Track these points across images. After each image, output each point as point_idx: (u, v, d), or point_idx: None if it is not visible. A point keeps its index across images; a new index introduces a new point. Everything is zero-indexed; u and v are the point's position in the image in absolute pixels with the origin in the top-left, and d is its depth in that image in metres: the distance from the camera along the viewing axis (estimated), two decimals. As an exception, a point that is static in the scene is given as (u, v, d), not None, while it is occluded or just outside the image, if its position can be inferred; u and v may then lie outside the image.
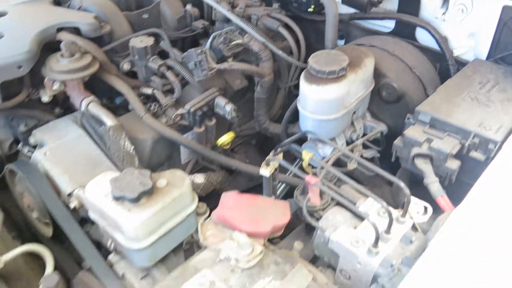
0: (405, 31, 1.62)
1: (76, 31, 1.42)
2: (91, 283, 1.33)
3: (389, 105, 1.48)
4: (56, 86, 1.39)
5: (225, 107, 1.43)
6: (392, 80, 1.43)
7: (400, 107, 1.45)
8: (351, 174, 1.34)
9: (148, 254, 1.22)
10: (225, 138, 1.53)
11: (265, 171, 1.26)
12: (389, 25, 1.66)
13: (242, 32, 1.49)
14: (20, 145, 1.62)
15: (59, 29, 1.40)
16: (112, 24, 1.49)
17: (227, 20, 1.61)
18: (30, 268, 1.32)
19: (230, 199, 1.08)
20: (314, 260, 1.25)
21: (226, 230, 1.05)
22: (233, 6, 1.58)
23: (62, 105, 1.64)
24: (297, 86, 1.69)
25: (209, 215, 1.30)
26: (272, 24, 1.53)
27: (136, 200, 1.13)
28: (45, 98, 1.46)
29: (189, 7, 1.66)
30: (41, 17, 1.43)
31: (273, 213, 1.08)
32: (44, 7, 1.49)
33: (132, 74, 1.55)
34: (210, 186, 1.55)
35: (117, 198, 1.14)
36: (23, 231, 1.59)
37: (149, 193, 1.15)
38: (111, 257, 1.33)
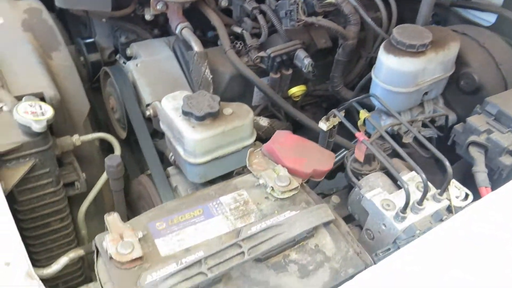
0: (505, 28, 1.57)
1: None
2: (147, 187, 1.49)
3: (464, 95, 1.47)
4: (159, 6, 1.53)
5: (304, 60, 1.50)
6: (474, 71, 1.42)
7: (476, 100, 1.43)
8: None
9: (200, 171, 1.35)
10: (297, 89, 1.60)
11: (323, 124, 1.32)
12: (490, 18, 1.62)
13: (339, -8, 1.53)
14: (118, 56, 1.81)
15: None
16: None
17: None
18: (101, 157, 1.51)
19: (282, 135, 1.17)
20: (346, 220, 1.32)
21: (271, 162, 1.14)
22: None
23: (160, 28, 1.80)
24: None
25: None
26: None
27: (201, 118, 1.26)
28: (148, 16, 1.62)
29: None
30: None
31: (318, 158, 1.15)
32: None
33: (226, 12, 1.66)
34: (271, 132, 1.63)
35: (185, 113, 1.27)
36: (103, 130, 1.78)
37: (214, 116, 1.27)
38: (170, 169, 1.49)
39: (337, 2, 1.49)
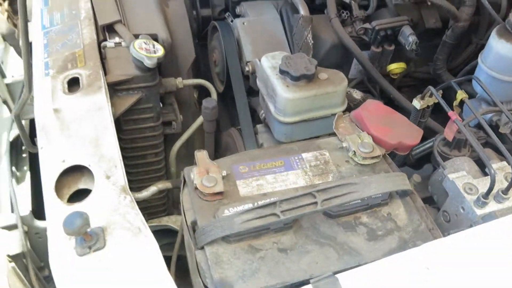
0: None
1: None
2: (236, 139, 1.58)
3: None
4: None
5: (409, 37, 1.48)
6: None
7: None
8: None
9: (287, 130, 1.39)
10: (396, 66, 1.58)
11: (417, 102, 1.31)
12: None
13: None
14: (227, 14, 1.89)
15: None
16: None
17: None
18: (196, 106, 1.62)
19: (372, 104, 1.18)
20: (425, 202, 1.30)
21: (357, 128, 1.16)
22: None
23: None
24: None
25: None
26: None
27: (296, 79, 1.30)
28: (260, -22, 1.68)
29: None
30: None
31: (405, 131, 1.15)
32: None
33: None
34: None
35: (282, 72, 1.32)
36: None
37: (309, 78, 1.31)
38: (259, 126, 1.55)
39: (453, -19, 1.44)
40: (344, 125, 1.17)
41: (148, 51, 1.20)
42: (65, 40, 1.26)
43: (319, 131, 1.42)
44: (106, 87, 1.14)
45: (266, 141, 1.52)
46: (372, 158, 1.09)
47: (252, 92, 1.65)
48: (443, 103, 1.12)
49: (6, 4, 1.58)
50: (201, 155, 1.07)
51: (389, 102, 1.66)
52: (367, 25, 1.51)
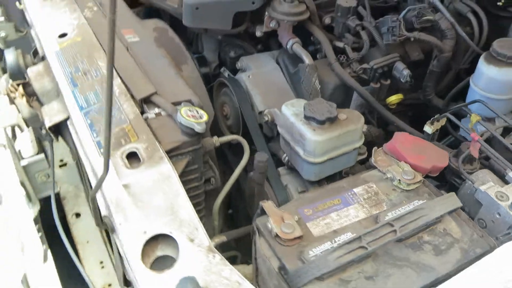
0: None
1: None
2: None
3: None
4: (272, 25, 1.73)
5: (403, 71, 1.67)
6: None
7: None
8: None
9: (316, 169, 1.52)
10: (395, 98, 1.77)
11: (428, 128, 1.49)
12: None
13: (434, 10, 1.70)
14: (222, 69, 2.02)
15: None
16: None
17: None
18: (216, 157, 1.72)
19: (401, 136, 1.34)
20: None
21: (393, 159, 1.31)
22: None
23: (263, 44, 2.01)
24: (467, 70, 1.87)
25: (367, 156, 1.58)
26: (462, 9, 1.72)
27: (322, 122, 1.44)
28: (259, 33, 1.82)
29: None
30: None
31: (435, 155, 1.31)
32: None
33: (327, 28, 1.85)
34: (369, 136, 1.81)
35: (308, 118, 1.46)
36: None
37: (333, 120, 1.45)
38: (281, 169, 1.67)
39: (435, 19, 1.66)
40: (381, 158, 1.32)
41: (195, 117, 1.29)
42: (108, 117, 1.33)
43: (342, 166, 1.56)
44: (167, 156, 1.22)
45: (290, 182, 1.64)
46: (415, 183, 1.24)
47: (268, 138, 1.77)
48: (463, 126, 1.30)
49: (21, 88, 1.62)
50: (269, 205, 1.17)
51: (385, 129, 1.86)
52: (365, 65, 1.69)
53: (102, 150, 1.25)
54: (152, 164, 1.21)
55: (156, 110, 1.38)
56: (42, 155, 1.85)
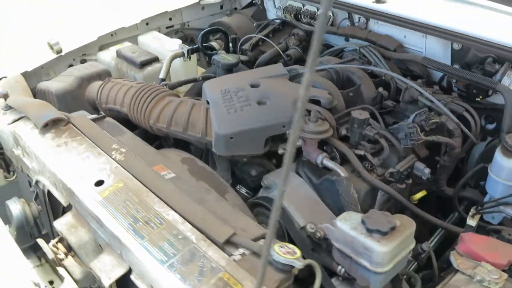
0: None
1: (316, 102, 1.88)
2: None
3: None
4: (299, 143, 1.82)
5: (424, 170, 1.83)
6: None
7: None
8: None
9: (383, 278, 1.57)
10: (421, 194, 1.92)
11: (472, 221, 1.63)
12: None
13: (436, 113, 1.92)
14: (238, 186, 2.04)
15: (304, 100, 1.86)
16: (335, 99, 1.95)
17: (411, 102, 2.07)
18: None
19: (471, 236, 1.46)
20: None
21: (471, 259, 1.41)
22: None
23: (278, 159, 2.08)
24: (462, 159, 2.09)
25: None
26: (458, 109, 1.96)
27: (386, 233, 1.51)
28: (281, 150, 1.89)
29: (381, 89, 2.12)
30: (290, 89, 1.89)
31: (505, 250, 1.44)
32: (286, 82, 1.96)
33: (342, 139, 1.98)
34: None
35: (370, 231, 1.52)
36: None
37: (393, 229, 1.53)
38: (334, 280, 1.69)
39: (442, 121, 1.87)
40: (461, 261, 1.42)
41: (290, 253, 1.30)
42: (197, 268, 1.28)
43: (399, 269, 1.63)
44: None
45: (347, 293, 1.67)
46: (503, 280, 1.34)
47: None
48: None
49: (62, 247, 1.49)
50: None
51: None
52: (392, 169, 1.83)
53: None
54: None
55: (240, 250, 1.36)
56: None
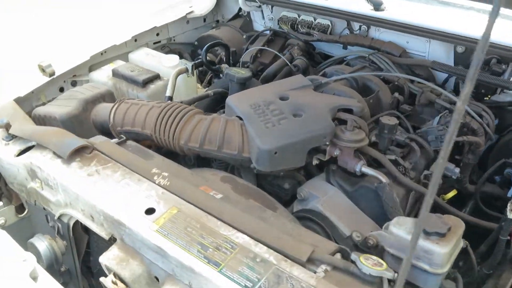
0: None
1: (347, 111, 1.89)
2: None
3: None
4: (336, 152, 1.82)
5: (454, 169, 1.89)
6: None
7: None
8: None
9: (440, 278, 1.60)
10: (452, 194, 1.97)
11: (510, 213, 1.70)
12: None
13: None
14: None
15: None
16: (362, 106, 1.97)
17: (427, 105, 2.14)
18: None
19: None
20: None
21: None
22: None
23: (305, 169, 2.06)
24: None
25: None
26: (476, 109, 2.04)
27: (443, 235, 1.54)
28: (316, 161, 1.88)
29: (396, 94, 2.17)
30: (320, 99, 1.89)
31: None
32: (313, 93, 1.96)
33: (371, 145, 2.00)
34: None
35: (428, 233, 1.55)
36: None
37: (449, 230, 1.57)
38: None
39: (466, 121, 1.94)
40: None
41: (377, 264, 1.29)
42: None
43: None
44: None
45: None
46: None
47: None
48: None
49: (121, 284, 1.39)
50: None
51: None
52: (427, 172, 1.87)
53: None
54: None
55: (322, 267, 1.33)
56: None
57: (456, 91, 2.31)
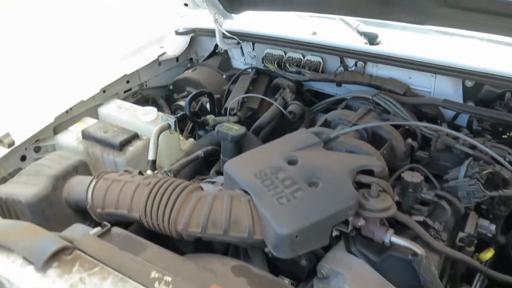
0: None
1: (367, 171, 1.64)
2: None
3: None
4: (361, 223, 1.57)
5: (490, 226, 1.68)
6: None
7: None
8: None
9: None
10: (490, 254, 1.75)
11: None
12: None
13: (484, 161, 1.78)
14: (280, 277, 1.73)
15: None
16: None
17: (443, 150, 1.92)
18: None
19: None
20: None
21: None
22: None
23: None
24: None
25: None
26: (501, 153, 1.84)
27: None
28: (336, 232, 1.62)
29: (409, 140, 1.95)
30: (336, 160, 1.64)
31: None
32: (324, 152, 1.70)
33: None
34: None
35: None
36: None
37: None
38: None
39: (496, 171, 1.74)
40: None
41: None
42: None
43: None
44: None
45: None
46: None
47: None
48: None
49: None
50: None
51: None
52: (462, 234, 1.65)
53: None
54: None
55: None
56: None
57: (470, 129, 2.11)
